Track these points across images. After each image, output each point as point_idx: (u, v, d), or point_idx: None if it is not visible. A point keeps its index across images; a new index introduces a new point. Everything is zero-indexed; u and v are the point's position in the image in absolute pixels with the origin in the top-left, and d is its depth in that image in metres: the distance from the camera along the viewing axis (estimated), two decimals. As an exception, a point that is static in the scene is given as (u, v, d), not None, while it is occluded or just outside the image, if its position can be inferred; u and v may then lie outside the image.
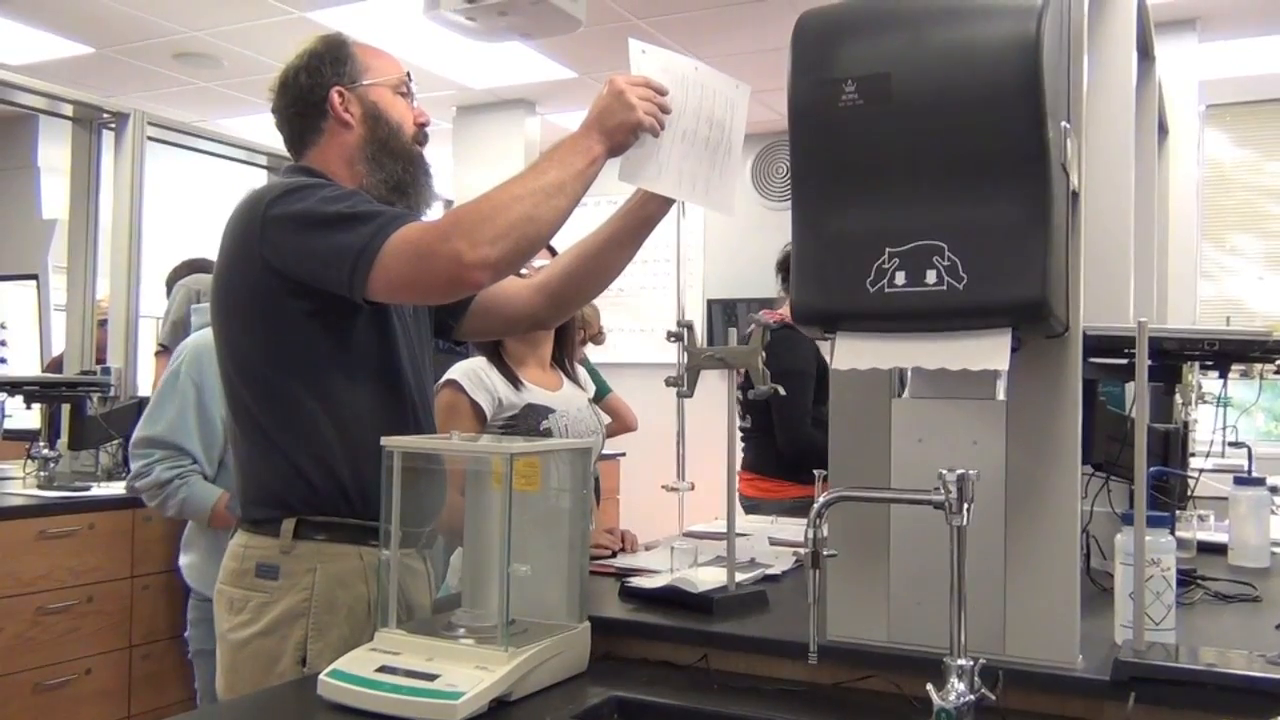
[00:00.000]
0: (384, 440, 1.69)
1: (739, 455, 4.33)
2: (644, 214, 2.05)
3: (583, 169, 1.78)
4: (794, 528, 2.97)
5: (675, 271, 7.40)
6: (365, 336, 1.87)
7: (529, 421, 2.54)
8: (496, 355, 2.63)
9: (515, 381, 2.59)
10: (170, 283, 4.72)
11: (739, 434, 4.30)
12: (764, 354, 2.03)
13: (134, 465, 3.41)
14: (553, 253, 2.61)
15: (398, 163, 1.96)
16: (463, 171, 7.03)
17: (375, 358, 1.89)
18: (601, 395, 5.29)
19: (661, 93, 1.88)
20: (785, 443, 3.90)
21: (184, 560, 3.44)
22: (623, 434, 5.40)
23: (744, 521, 3.09)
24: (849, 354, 1.53)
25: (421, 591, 1.96)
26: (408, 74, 2.05)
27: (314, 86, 1.96)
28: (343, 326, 1.84)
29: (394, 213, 1.78)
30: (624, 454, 6.71)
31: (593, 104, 1.84)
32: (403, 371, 1.94)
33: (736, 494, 2.11)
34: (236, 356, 1.87)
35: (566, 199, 1.76)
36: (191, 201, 6.60)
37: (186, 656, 3.58)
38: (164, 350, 4.32)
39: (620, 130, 1.82)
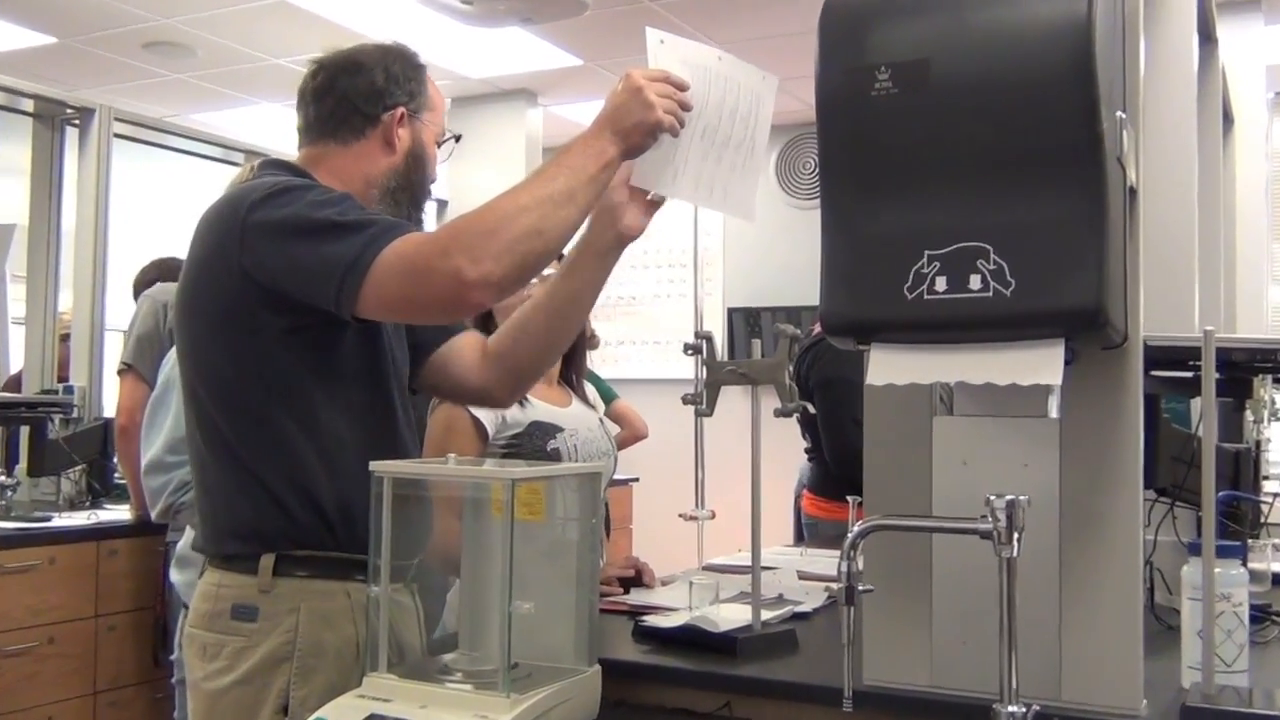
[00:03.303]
0: (373, 465, 1.69)
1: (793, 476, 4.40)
2: (601, 245, 2.00)
3: (595, 174, 1.78)
4: (826, 560, 2.96)
5: (692, 278, 7.40)
6: (352, 355, 1.87)
7: (535, 440, 2.54)
8: None
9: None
10: (139, 286, 4.67)
11: (805, 454, 4.36)
12: (791, 368, 2.03)
13: (155, 483, 3.43)
14: None
15: (413, 208, 2.01)
16: (458, 170, 7.05)
17: (363, 377, 1.89)
18: (607, 402, 5.29)
19: (682, 88, 1.87)
20: (830, 456, 3.95)
21: (179, 577, 3.43)
22: (634, 443, 5.40)
23: (770, 554, 3.09)
24: (885, 368, 1.53)
25: (411, 630, 1.96)
26: (457, 136, 2.10)
27: (384, 92, 1.98)
28: (328, 344, 1.84)
29: (388, 221, 1.78)
30: (637, 479, 6.71)
31: (607, 101, 1.83)
32: (392, 392, 1.94)
33: (760, 523, 2.11)
34: (208, 375, 1.86)
35: (577, 209, 1.76)
36: (163, 204, 6.62)
37: (170, 682, 3.58)
38: (128, 369, 4.21)
39: (637, 131, 1.82)
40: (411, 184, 2.01)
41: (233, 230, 1.79)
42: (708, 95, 1.93)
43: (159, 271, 4.61)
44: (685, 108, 1.87)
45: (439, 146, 2.07)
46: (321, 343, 1.83)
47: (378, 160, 1.98)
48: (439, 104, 2.07)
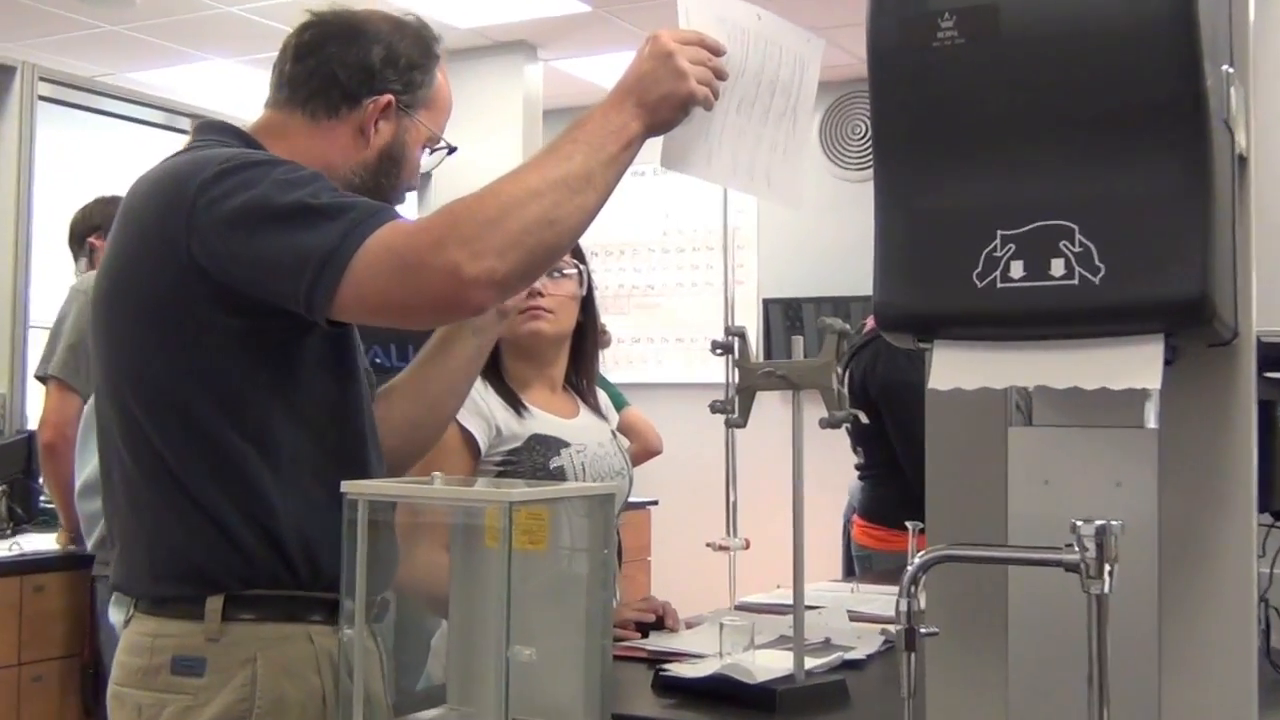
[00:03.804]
0: (345, 486, 1.69)
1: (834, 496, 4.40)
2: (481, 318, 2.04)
3: (615, 154, 1.77)
4: (882, 598, 2.96)
5: (722, 263, 7.41)
6: (318, 362, 1.88)
7: (536, 457, 2.55)
8: (494, 373, 2.62)
9: (517, 406, 2.59)
10: (78, 233, 4.50)
11: (857, 471, 4.35)
12: (840, 369, 2.03)
13: (91, 507, 3.45)
14: (579, 258, 2.62)
15: None
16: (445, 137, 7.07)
17: (329, 388, 1.90)
18: (616, 410, 5.28)
19: (717, 53, 1.87)
20: (913, 475, 3.93)
21: (120, 616, 3.44)
22: (646, 459, 5.41)
23: (815, 590, 3.08)
24: (952, 369, 1.53)
25: (376, 679, 1.95)
26: (452, 148, 2.10)
27: (375, 73, 1.97)
28: (290, 349, 1.84)
29: (369, 206, 1.77)
30: (655, 502, 6.71)
31: (630, 67, 1.83)
32: (362, 406, 1.95)
33: (803, 554, 2.11)
34: (141, 382, 1.85)
35: (595, 194, 1.76)
36: (97, 179, 6.65)
37: None
38: (55, 384, 4.10)
39: (666, 105, 1.81)
40: (379, 187, 1.99)
41: (179, 211, 1.78)
42: (745, 61, 1.93)
43: (104, 216, 4.34)
44: (721, 76, 1.87)
45: (429, 153, 2.07)
46: (283, 348, 1.84)
47: (345, 149, 1.97)
48: (443, 105, 2.07)
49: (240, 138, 1.95)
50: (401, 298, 1.71)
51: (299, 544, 1.84)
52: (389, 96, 1.97)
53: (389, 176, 2.01)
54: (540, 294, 2.54)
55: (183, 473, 1.83)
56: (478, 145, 6.64)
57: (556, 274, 2.56)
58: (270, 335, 1.81)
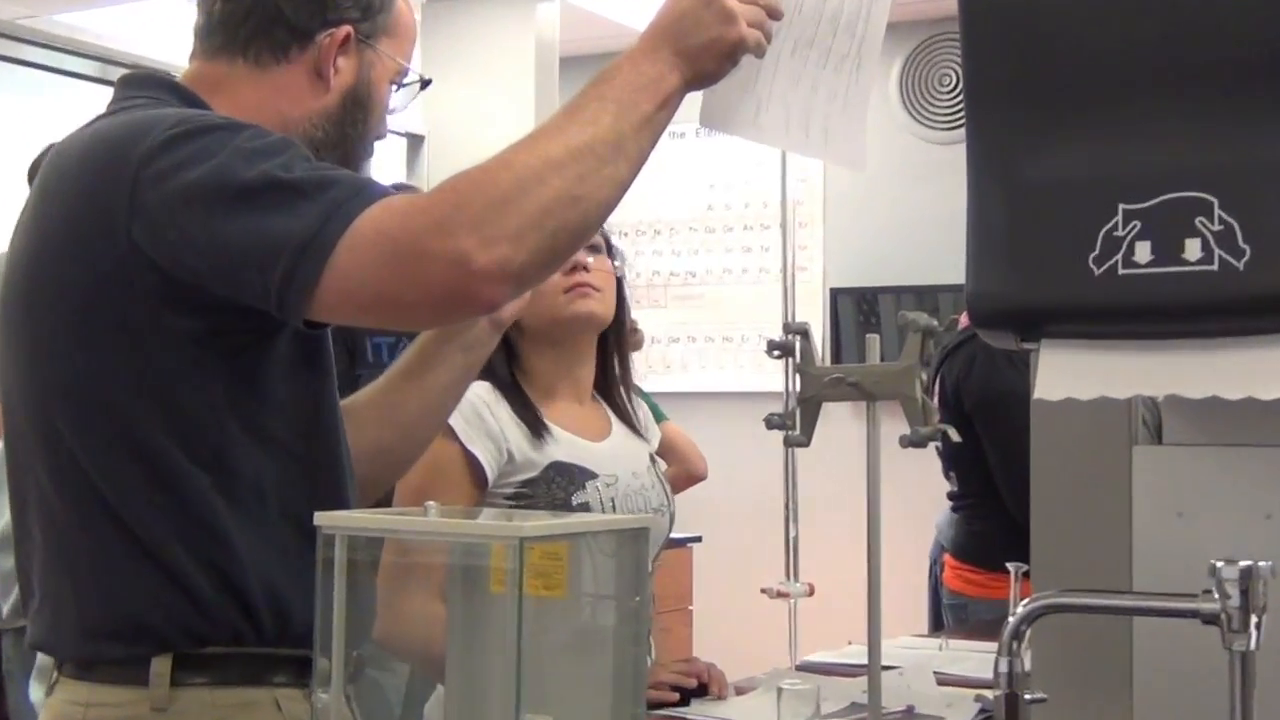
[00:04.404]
0: (319, 517, 1.69)
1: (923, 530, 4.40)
2: (470, 333, 2.09)
3: (650, 114, 1.77)
4: (976, 656, 2.96)
5: (781, 246, 7.40)
6: (286, 367, 1.88)
7: (554, 490, 2.54)
8: (508, 378, 2.62)
9: (536, 426, 2.57)
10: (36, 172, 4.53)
11: (949, 501, 4.34)
12: (926, 375, 2.03)
13: (9, 564, 3.48)
14: (607, 242, 2.61)
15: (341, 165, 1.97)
16: (441, 92, 7.06)
17: (299, 400, 1.91)
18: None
19: None
20: (1016, 505, 3.93)
21: (40, 696, 3.47)
22: (686, 486, 5.38)
23: (895, 647, 3.08)
24: (1062, 375, 1.53)
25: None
26: (425, 80, 2.11)
27: (328, 4, 1.96)
28: (256, 357, 1.85)
29: (353, 181, 1.76)
30: (699, 539, 6.70)
31: (665, 6, 1.83)
32: (337, 426, 1.96)
33: (880, 602, 2.11)
34: (69, 397, 1.85)
35: (627, 163, 1.76)
36: (16, 145, 6.68)
37: None
38: None
39: (710, 54, 1.81)
40: (345, 138, 2.00)
41: (117, 186, 1.77)
42: None
43: None
44: (774, 16, 1.86)
45: (396, 90, 2.07)
46: (245, 353, 1.84)
47: (301, 97, 1.97)
48: (406, 30, 2.06)
49: (178, 93, 1.94)
50: (396, 293, 1.71)
51: (264, 590, 1.84)
52: (346, 28, 1.96)
53: (355, 124, 2.01)
54: (584, 269, 2.52)
55: (121, 506, 1.82)
56: (482, 101, 6.69)
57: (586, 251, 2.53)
58: (230, 338, 1.82)
